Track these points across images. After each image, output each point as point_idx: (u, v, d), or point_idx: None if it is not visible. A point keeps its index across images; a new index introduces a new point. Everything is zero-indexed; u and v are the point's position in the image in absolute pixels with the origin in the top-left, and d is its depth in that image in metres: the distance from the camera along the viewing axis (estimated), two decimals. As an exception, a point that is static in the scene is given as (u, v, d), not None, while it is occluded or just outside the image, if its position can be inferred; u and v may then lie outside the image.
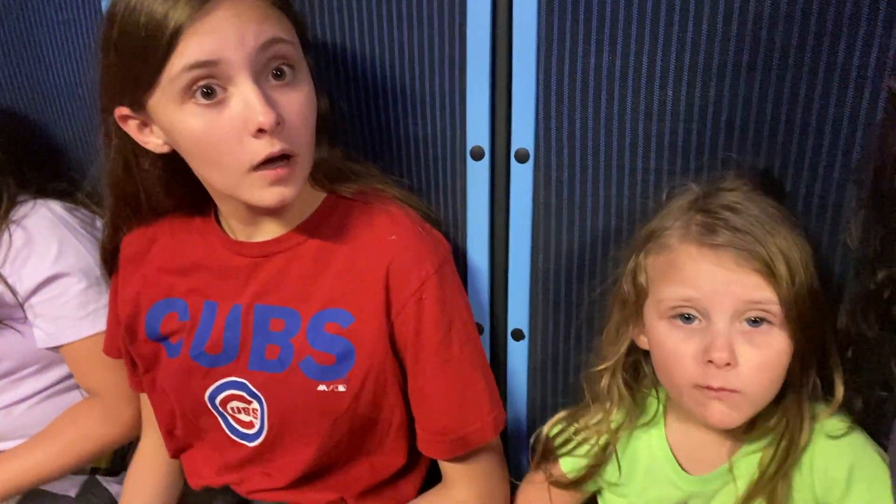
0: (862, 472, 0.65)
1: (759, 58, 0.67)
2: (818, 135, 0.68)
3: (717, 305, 0.63)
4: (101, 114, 0.73)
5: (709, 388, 0.64)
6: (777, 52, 0.66)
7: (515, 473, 0.91)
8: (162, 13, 0.62)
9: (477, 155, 0.82)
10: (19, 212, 0.96)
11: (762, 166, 0.71)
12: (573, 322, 0.86)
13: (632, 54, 0.71)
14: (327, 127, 0.75)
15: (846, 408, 0.68)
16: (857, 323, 0.63)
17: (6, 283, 0.93)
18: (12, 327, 0.97)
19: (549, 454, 0.81)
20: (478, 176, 0.83)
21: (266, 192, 0.67)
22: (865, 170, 0.62)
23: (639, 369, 0.76)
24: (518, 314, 0.88)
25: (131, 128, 0.71)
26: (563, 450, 0.79)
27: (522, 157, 0.80)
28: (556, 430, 0.81)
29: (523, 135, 0.79)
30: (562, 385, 0.90)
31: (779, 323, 0.63)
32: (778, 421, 0.68)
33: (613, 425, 0.76)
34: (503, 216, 0.85)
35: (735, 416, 0.65)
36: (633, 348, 0.75)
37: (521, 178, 0.81)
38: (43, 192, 1.01)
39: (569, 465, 0.79)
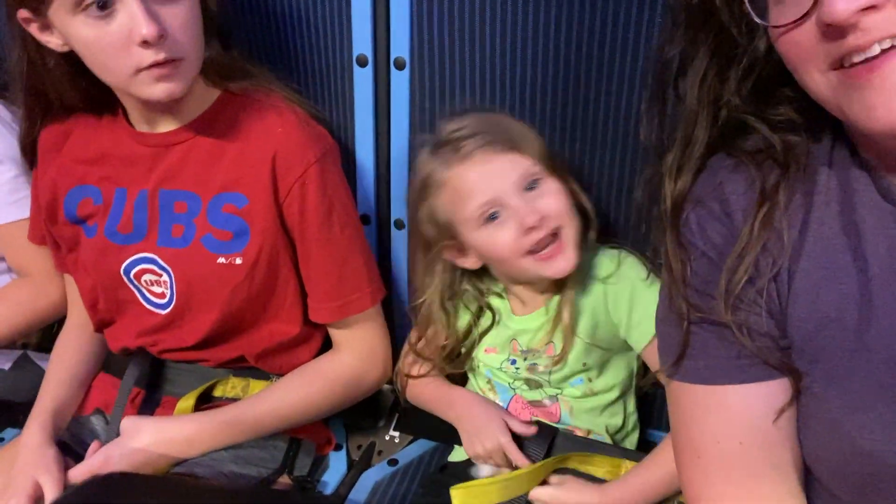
0: (640, 294, 0.83)
1: None
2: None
3: (502, 192, 0.79)
4: (7, 12, 0.80)
5: (539, 254, 0.79)
6: None
7: (401, 346, 1.06)
8: None
9: (362, 62, 0.93)
10: None
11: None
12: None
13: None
14: (217, 28, 0.84)
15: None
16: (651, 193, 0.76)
17: None
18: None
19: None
20: (363, 81, 0.94)
21: (154, 88, 0.76)
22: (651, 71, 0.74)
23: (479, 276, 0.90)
24: (399, 205, 1.01)
25: (34, 29, 0.79)
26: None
27: (400, 65, 0.91)
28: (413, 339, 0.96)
29: (401, 44, 0.90)
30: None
31: (546, 176, 0.80)
32: (583, 273, 0.84)
33: (461, 329, 0.91)
34: (385, 119, 0.96)
35: (565, 265, 0.80)
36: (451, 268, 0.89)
37: (400, 83, 0.93)
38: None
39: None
